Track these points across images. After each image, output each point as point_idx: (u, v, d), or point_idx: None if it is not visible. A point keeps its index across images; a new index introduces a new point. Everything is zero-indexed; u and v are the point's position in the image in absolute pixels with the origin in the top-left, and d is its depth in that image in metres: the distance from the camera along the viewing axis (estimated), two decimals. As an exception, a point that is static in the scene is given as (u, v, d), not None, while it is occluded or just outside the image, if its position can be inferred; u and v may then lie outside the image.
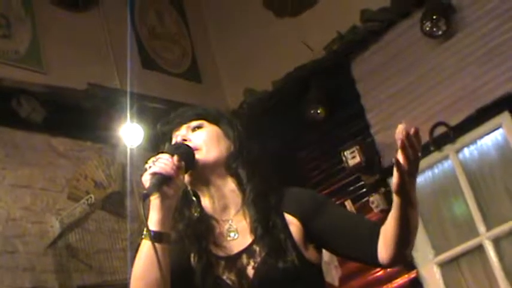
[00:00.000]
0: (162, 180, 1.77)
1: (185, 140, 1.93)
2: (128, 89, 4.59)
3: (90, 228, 4.41)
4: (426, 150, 4.68)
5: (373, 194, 4.74)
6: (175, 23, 5.66)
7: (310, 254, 1.87)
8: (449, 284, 4.60)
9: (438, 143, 4.65)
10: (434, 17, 4.63)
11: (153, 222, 1.78)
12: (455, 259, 4.60)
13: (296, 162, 5.25)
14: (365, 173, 4.87)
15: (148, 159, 1.84)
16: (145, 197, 1.76)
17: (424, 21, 4.66)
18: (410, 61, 4.82)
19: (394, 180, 1.66)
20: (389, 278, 4.67)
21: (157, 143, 2.07)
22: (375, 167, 4.82)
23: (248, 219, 1.88)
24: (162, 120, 2.05)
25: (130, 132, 4.60)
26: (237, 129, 2.01)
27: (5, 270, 3.92)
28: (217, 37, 5.77)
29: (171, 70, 5.40)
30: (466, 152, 4.65)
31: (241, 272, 1.84)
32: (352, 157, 4.87)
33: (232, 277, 1.84)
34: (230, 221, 1.91)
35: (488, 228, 4.47)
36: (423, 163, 4.68)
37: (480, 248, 4.50)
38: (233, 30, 5.65)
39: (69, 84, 4.54)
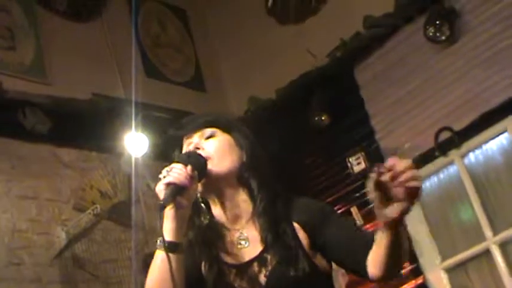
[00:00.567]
0: (177, 191, 1.78)
1: (197, 149, 1.92)
2: (133, 99, 4.59)
3: (96, 238, 4.41)
4: (431, 156, 4.68)
5: (379, 200, 4.72)
6: (178, 31, 5.67)
7: (319, 261, 1.87)
8: (456, 289, 4.60)
9: (443, 148, 4.64)
10: (437, 22, 4.63)
11: (168, 232, 1.78)
12: (462, 264, 4.59)
13: (301, 169, 5.24)
14: (370, 179, 4.86)
15: (163, 168, 1.84)
16: (162, 208, 1.77)
17: (428, 27, 4.65)
18: (414, 66, 4.82)
19: (390, 215, 1.59)
20: (396, 285, 4.65)
21: (166, 149, 2.06)
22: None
23: (258, 228, 1.89)
24: (174, 126, 2.05)
25: (135, 142, 4.60)
26: (248, 138, 2.00)
27: (12, 282, 3.92)
28: (220, 45, 5.78)
29: (175, 79, 5.41)
30: (472, 156, 4.64)
31: (253, 280, 1.84)
32: (357, 163, 4.87)
33: (244, 285, 1.84)
34: (241, 230, 1.91)
35: (495, 232, 4.46)
36: (429, 168, 4.69)
37: (487, 252, 4.48)
38: (236, 38, 5.66)
39: (73, 95, 4.55)
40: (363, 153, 4.86)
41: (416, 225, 4.69)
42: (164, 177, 1.79)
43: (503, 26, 4.46)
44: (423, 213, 4.73)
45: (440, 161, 4.68)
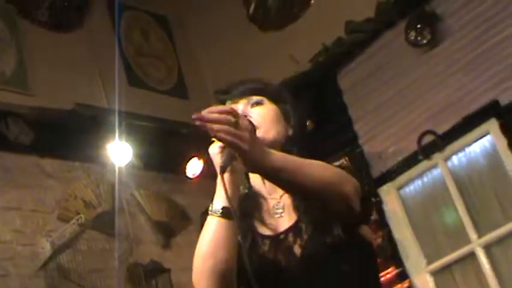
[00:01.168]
0: (234, 155, 1.67)
1: (245, 116, 1.81)
2: (116, 108, 4.59)
3: (81, 248, 4.40)
4: (415, 159, 4.70)
5: (364, 204, 4.73)
6: (161, 40, 5.66)
7: (360, 229, 1.83)
8: (442, 292, 4.61)
9: (427, 151, 4.66)
10: (418, 26, 4.65)
11: (224, 198, 1.69)
12: (447, 267, 4.60)
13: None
14: (354, 183, 4.87)
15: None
16: (223, 170, 1.67)
17: (409, 31, 4.68)
18: (396, 71, 4.84)
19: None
20: (383, 288, 4.65)
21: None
22: (364, 178, 4.82)
23: (294, 197, 1.84)
24: (220, 89, 1.98)
25: (118, 151, 4.60)
26: (296, 111, 1.95)
27: (-3, 293, 3.90)
28: (203, 53, 5.78)
29: (158, 87, 5.40)
30: (455, 159, 4.66)
31: (287, 251, 1.78)
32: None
33: (279, 256, 1.78)
34: (278, 199, 1.87)
35: (480, 235, 4.47)
36: (412, 172, 4.71)
37: (472, 255, 4.50)
38: (219, 46, 5.66)
39: (56, 105, 4.54)
40: (346, 158, 4.84)
41: (401, 229, 4.71)
42: (218, 139, 1.61)
43: (483, 29, 4.49)
44: (408, 216, 4.75)
45: (424, 164, 4.70)
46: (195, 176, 5.10)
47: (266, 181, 1.86)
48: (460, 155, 4.64)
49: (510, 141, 4.36)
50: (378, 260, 2.08)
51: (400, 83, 4.80)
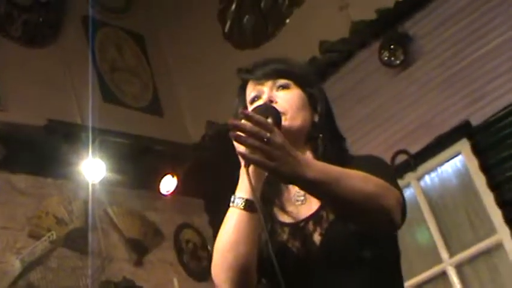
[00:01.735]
0: None
1: (271, 102, 1.77)
2: (90, 124, 4.57)
3: (52, 266, 4.35)
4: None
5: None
6: (135, 56, 5.65)
7: None
8: (414, 311, 4.62)
9: (400, 171, 4.68)
10: (391, 46, 4.70)
11: (247, 190, 1.62)
12: (419, 286, 4.61)
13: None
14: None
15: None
16: (248, 164, 1.59)
17: (382, 51, 4.73)
18: (370, 90, 4.87)
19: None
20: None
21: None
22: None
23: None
24: (243, 68, 1.90)
25: (92, 168, 4.57)
26: (323, 98, 1.87)
27: (-34, 312, 3.84)
28: (178, 70, 5.77)
29: (132, 104, 5.37)
30: (427, 179, 4.70)
31: (307, 240, 1.71)
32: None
33: (298, 244, 1.72)
34: None
35: (451, 254, 4.50)
36: (385, 191, 4.73)
37: (444, 274, 4.52)
38: (194, 63, 5.66)
39: (28, 121, 4.50)
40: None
41: (374, 248, 4.72)
42: (244, 159, 1.56)
43: (455, 50, 4.55)
44: (380, 235, 4.76)
45: (396, 183, 4.72)
46: (169, 193, 5.10)
47: None
48: (433, 174, 4.68)
49: (481, 161, 4.41)
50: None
51: (374, 102, 4.84)
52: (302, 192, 1.77)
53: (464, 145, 4.51)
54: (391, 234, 1.79)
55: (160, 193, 5.03)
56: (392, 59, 4.71)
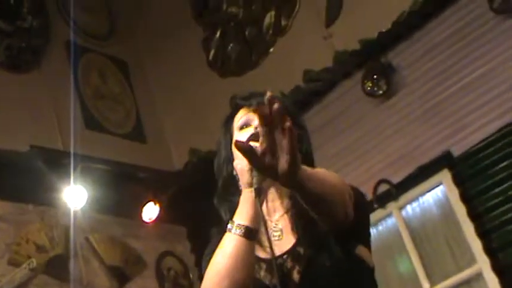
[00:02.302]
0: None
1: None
2: (71, 151, 4.55)
3: (32, 293, 4.30)
4: (370, 208, 4.73)
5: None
6: (119, 83, 5.65)
7: (356, 250, 1.79)
8: None
9: (382, 200, 4.70)
10: (374, 76, 4.75)
11: (246, 217, 1.65)
12: (401, 316, 4.62)
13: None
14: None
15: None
16: (261, 192, 1.61)
17: (365, 81, 4.77)
18: (353, 120, 4.91)
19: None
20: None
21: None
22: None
23: (292, 219, 1.80)
24: (240, 95, 1.95)
25: (73, 194, 4.55)
26: (307, 139, 1.93)
27: None
28: (161, 97, 5.78)
29: (115, 130, 5.36)
30: (409, 209, 4.72)
31: (285, 277, 1.72)
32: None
33: (275, 282, 1.70)
34: (276, 222, 1.82)
35: (432, 284, 4.51)
36: (367, 221, 4.74)
37: (425, 304, 4.53)
38: (178, 90, 5.67)
39: (10, 147, 4.48)
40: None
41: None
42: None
43: (437, 81, 4.60)
44: (362, 265, 4.76)
45: (379, 213, 4.73)
46: (151, 220, 5.07)
47: (270, 205, 1.84)
48: (414, 204, 4.70)
49: (462, 191, 4.44)
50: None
51: (356, 132, 4.87)
52: (278, 227, 1.81)
53: (445, 175, 4.54)
54: (365, 265, 1.82)
55: (143, 220, 5.00)
56: (375, 89, 4.75)
